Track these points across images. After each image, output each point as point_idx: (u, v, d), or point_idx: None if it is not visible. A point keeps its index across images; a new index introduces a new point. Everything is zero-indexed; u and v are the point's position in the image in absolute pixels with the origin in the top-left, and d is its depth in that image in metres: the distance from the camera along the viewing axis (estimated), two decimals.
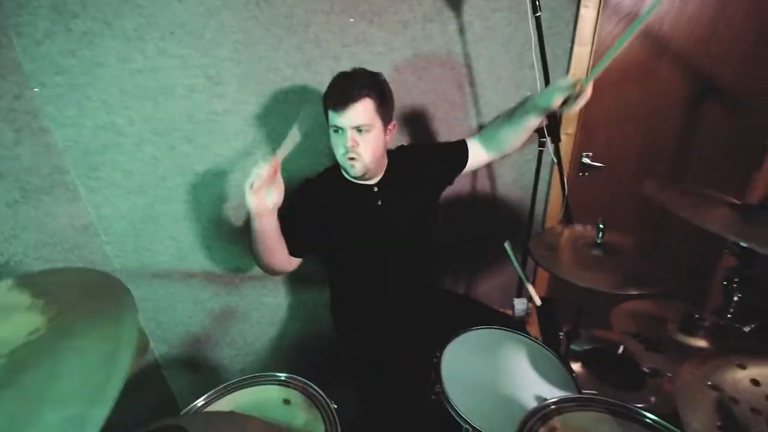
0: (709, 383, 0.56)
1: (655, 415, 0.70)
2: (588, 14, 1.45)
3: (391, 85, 1.36)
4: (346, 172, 1.17)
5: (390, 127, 1.16)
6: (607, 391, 0.82)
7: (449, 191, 1.40)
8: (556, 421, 0.73)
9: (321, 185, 1.23)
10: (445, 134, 1.55)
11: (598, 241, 1.13)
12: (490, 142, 1.31)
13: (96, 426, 0.36)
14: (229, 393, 1.02)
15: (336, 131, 1.10)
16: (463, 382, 0.99)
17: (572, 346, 1.02)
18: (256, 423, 0.59)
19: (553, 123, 1.30)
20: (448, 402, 0.93)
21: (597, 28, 1.47)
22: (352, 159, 1.10)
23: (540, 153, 1.39)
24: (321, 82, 1.28)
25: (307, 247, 1.21)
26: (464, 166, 1.34)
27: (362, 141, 1.09)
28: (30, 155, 1.04)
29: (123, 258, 1.29)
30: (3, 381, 0.41)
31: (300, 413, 0.96)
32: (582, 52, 1.52)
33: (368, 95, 1.06)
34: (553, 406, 0.77)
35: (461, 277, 1.93)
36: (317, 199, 1.21)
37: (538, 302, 1.34)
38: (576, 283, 1.01)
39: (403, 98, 1.42)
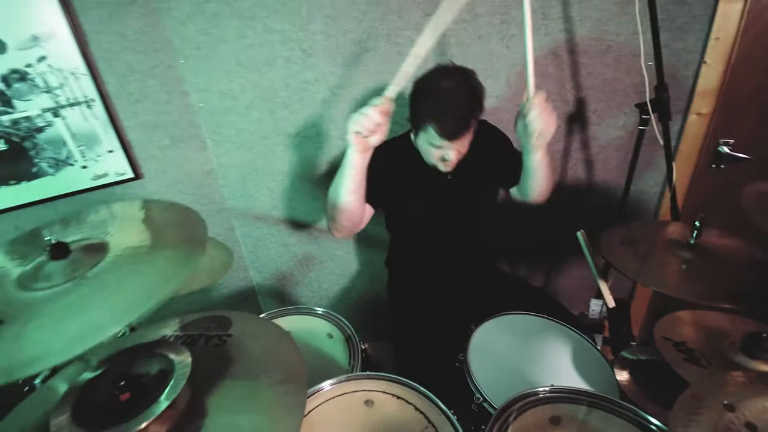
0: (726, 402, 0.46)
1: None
2: None
3: (474, 57, 1.34)
4: (436, 167, 1.17)
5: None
6: (651, 408, 0.71)
7: None
8: (560, 410, 0.69)
9: (392, 152, 1.24)
10: None
11: (692, 242, 0.94)
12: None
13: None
14: (287, 315, 1.23)
15: (435, 147, 1.08)
16: (488, 357, 0.98)
17: (623, 353, 0.89)
18: (288, 338, 0.72)
19: (660, 96, 1.09)
20: (468, 370, 0.95)
21: None
22: (446, 164, 1.12)
23: (641, 133, 1.18)
24: (400, 52, 1.33)
25: (382, 199, 1.24)
26: (513, 185, 1.26)
27: (463, 150, 1.11)
28: (176, 112, 1.38)
29: (234, 200, 1.61)
30: (97, 273, 0.61)
31: (338, 347, 1.11)
32: (730, 9, 1.20)
33: (474, 121, 1.05)
34: (555, 394, 0.72)
35: (542, 267, 1.80)
36: (388, 165, 1.25)
37: (611, 304, 1.21)
38: (644, 285, 0.88)
39: (487, 71, 1.37)
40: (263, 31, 1.30)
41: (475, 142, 1.21)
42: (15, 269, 0.67)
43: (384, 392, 0.78)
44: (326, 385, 0.81)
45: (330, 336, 1.15)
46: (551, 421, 0.69)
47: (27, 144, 1.18)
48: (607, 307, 1.23)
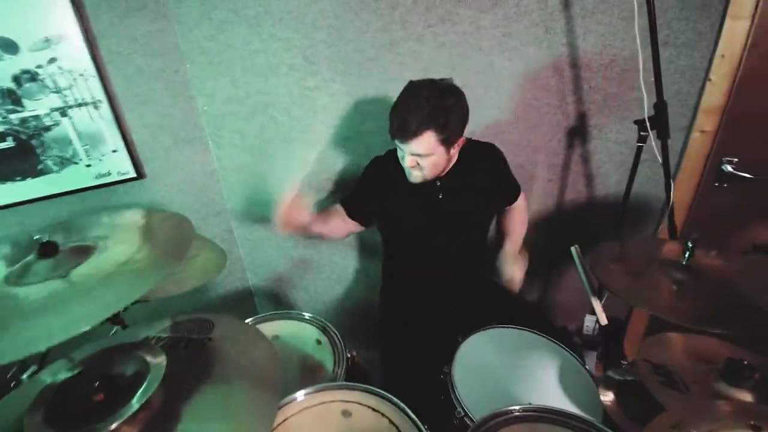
0: None
1: None
2: None
3: (476, 68, 1.34)
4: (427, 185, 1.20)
5: (457, 144, 1.13)
6: (636, 430, 0.70)
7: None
8: (536, 429, 0.68)
9: (387, 166, 1.28)
10: (534, 121, 1.43)
11: (683, 263, 0.92)
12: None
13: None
14: (278, 320, 1.24)
15: (401, 150, 1.14)
16: (474, 370, 0.98)
17: (609, 373, 0.88)
18: (267, 345, 0.73)
19: (659, 113, 1.08)
20: (451, 383, 0.94)
21: None
22: (413, 168, 1.14)
23: (639, 150, 1.17)
24: (402, 62, 1.34)
25: (367, 216, 1.32)
26: (501, 209, 1.39)
27: (422, 162, 1.11)
28: (180, 114, 1.41)
29: (234, 202, 1.63)
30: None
31: (327, 353, 1.11)
32: (737, 27, 1.19)
33: (429, 129, 1.03)
34: (529, 413, 0.71)
35: (536, 282, 1.78)
36: (383, 179, 1.28)
37: (603, 321, 1.19)
38: (632, 305, 0.86)
39: (487, 81, 1.37)
40: (269, 38, 1.32)
41: (467, 161, 1.22)
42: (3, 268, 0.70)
43: (359, 403, 0.78)
44: (300, 395, 0.81)
45: (319, 342, 1.16)
46: None
47: (34, 142, 1.21)
48: (599, 325, 1.21)
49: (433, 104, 1.02)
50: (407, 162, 1.11)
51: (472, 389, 0.92)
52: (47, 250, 0.69)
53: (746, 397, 0.62)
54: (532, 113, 1.42)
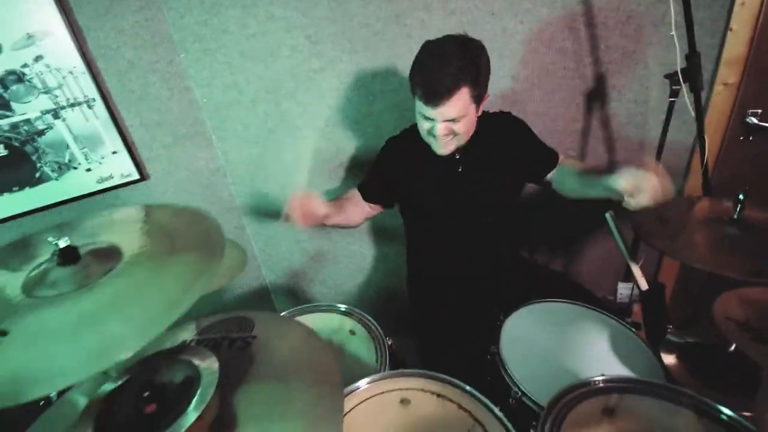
0: None
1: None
2: None
3: (488, 35, 1.28)
4: (436, 149, 1.10)
5: (484, 99, 1.05)
6: (705, 392, 0.66)
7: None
8: (613, 400, 0.64)
9: (403, 145, 1.22)
10: (550, 87, 1.37)
11: (735, 217, 0.88)
12: (558, 179, 1.20)
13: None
14: (307, 314, 1.19)
15: (425, 118, 1.03)
16: (522, 348, 0.94)
17: (668, 336, 0.84)
18: (315, 338, 0.68)
19: (692, 65, 1.03)
20: (502, 363, 0.90)
21: None
22: (446, 136, 1.04)
23: (671, 104, 1.12)
24: (410, 34, 1.27)
25: (386, 199, 1.26)
26: (542, 179, 1.23)
27: (456, 127, 1.02)
28: (179, 109, 1.33)
29: (243, 197, 1.56)
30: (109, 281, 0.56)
31: (361, 344, 1.07)
32: None
33: (464, 85, 0.94)
34: (610, 384, 0.67)
35: (563, 252, 1.74)
36: (400, 159, 1.21)
37: (644, 286, 1.15)
38: (691, 265, 0.82)
39: (500, 48, 1.31)
40: (266, 19, 1.24)
41: (484, 131, 1.15)
42: (16, 276, 0.63)
43: (422, 390, 0.74)
44: (363, 383, 0.76)
45: (352, 333, 1.11)
46: (604, 413, 0.64)
47: (28, 148, 1.13)
48: (640, 291, 1.17)
49: (461, 58, 0.94)
50: (440, 130, 1.01)
51: (524, 367, 0.88)
52: (68, 256, 0.62)
53: None
54: (548, 79, 1.36)
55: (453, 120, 0.99)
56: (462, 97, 0.95)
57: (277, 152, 1.47)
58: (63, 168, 1.19)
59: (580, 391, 0.65)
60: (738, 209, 0.87)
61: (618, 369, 0.86)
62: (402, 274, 1.61)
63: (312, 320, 1.16)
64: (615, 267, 1.62)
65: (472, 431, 0.66)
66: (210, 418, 0.54)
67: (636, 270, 1.14)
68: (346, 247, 1.70)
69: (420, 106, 1.01)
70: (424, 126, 1.05)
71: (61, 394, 0.78)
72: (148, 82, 1.26)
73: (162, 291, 0.53)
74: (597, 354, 0.91)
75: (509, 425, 0.68)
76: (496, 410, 0.69)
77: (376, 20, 1.26)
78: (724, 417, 0.61)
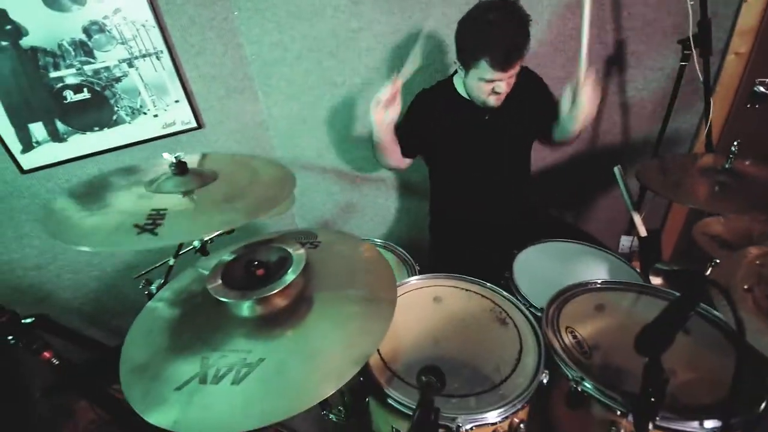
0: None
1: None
2: None
3: None
4: (484, 104, 1.22)
5: None
6: None
7: None
8: (604, 298, 0.81)
9: (433, 98, 1.35)
10: (573, 53, 1.47)
11: (726, 166, 1.01)
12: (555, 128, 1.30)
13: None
14: None
15: (486, 81, 1.12)
16: (532, 274, 1.10)
17: (656, 265, 1.00)
18: (364, 244, 0.85)
19: (703, 32, 1.13)
20: (514, 284, 1.07)
21: None
22: (500, 92, 1.16)
23: (681, 69, 1.23)
24: None
25: (417, 150, 1.41)
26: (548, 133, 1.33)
27: (509, 82, 1.15)
28: (231, 64, 1.47)
29: (282, 150, 1.72)
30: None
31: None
32: None
33: (525, 48, 1.07)
34: (604, 285, 0.84)
35: (570, 207, 1.88)
36: (429, 110, 1.35)
37: (643, 232, 1.29)
38: (682, 204, 0.97)
39: (530, 11, 1.39)
40: None
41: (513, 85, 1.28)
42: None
43: (453, 287, 0.91)
44: (413, 279, 0.94)
45: None
46: (596, 309, 0.81)
47: (107, 93, 1.29)
48: (639, 237, 1.32)
49: (521, 22, 1.05)
50: (506, 87, 1.14)
51: (533, 288, 1.05)
52: (181, 168, 0.80)
53: None
54: (571, 44, 1.46)
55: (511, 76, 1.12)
56: (523, 58, 1.09)
57: (315, 108, 1.61)
58: (135, 113, 1.36)
59: (578, 290, 0.82)
60: (730, 158, 1.00)
61: None
62: (422, 226, 1.77)
63: None
64: (619, 223, 1.76)
65: (494, 311, 0.84)
66: (297, 290, 0.72)
67: (637, 218, 1.28)
68: (374, 200, 1.86)
69: (483, 71, 1.11)
70: (484, 88, 1.15)
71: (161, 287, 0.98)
72: (206, 38, 1.39)
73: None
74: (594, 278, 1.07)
75: (522, 306, 0.85)
76: (511, 297, 0.87)
77: None
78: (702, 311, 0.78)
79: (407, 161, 1.42)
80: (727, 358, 0.70)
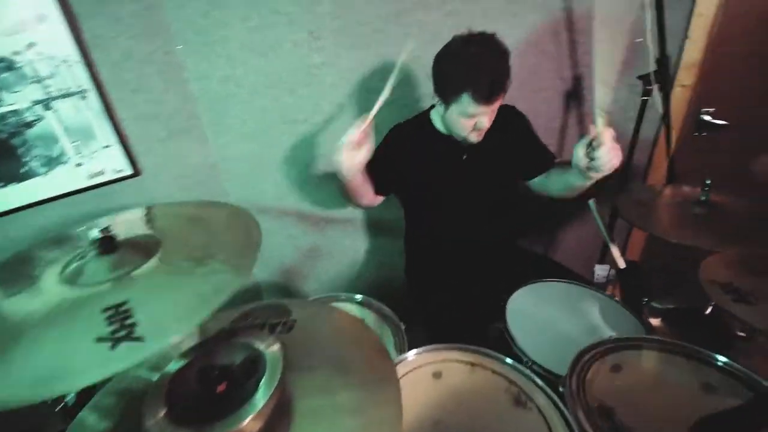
0: None
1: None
2: None
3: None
4: (464, 140, 1.16)
5: None
6: None
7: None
8: (619, 358, 0.73)
9: (409, 132, 1.27)
10: (534, 87, 1.49)
11: (702, 198, 1.02)
12: (541, 181, 1.28)
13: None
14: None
15: (468, 116, 1.08)
16: (525, 323, 1.02)
17: (653, 303, 0.97)
18: (347, 316, 0.71)
19: (662, 68, 1.17)
20: (510, 337, 0.98)
21: None
22: (481, 129, 1.11)
23: (643, 103, 1.26)
24: (407, 33, 1.33)
25: (392, 187, 1.31)
26: (532, 178, 1.31)
27: (489, 117, 1.10)
28: (174, 102, 1.30)
29: (236, 194, 1.54)
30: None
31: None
32: None
33: (507, 80, 1.04)
34: (612, 344, 0.77)
35: (542, 238, 1.88)
36: (404, 145, 1.26)
37: (622, 264, 1.28)
38: (669, 240, 0.94)
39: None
40: (269, 13, 1.24)
41: (492, 124, 1.23)
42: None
43: (455, 361, 0.79)
44: (411, 354, 0.81)
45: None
46: (612, 370, 0.73)
47: (15, 141, 1.06)
48: (617, 269, 1.31)
49: (505, 57, 1.02)
50: (488, 123, 1.08)
51: (531, 340, 0.96)
52: (107, 245, 0.62)
53: None
54: (532, 79, 1.48)
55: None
56: (505, 91, 1.05)
57: (274, 148, 1.47)
58: (52, 162, 1.13)
59: (596, 351, 0.74)
60: (705, 190, 1.01)
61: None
62: (395, 266, 1.66)
63: None
64: (589, 251, 1.77)
65: (509, 391, 0.73)
66: (275, 400, 0.56)
67: (615, 250, 1.27)
68: (339, 242, 1.72)
69: (466, 105, 1.05)
70: (466, 124, 1.10)
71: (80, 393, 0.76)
72: (144, 74, 1.22)
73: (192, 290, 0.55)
74: (593, 324, 1.01)
75: (543, 384, 0.75)
76: (529, 372, 0.76)
77: (376, 17, 1.30)
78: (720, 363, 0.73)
79: (380, 198, 1.32)
80: None
